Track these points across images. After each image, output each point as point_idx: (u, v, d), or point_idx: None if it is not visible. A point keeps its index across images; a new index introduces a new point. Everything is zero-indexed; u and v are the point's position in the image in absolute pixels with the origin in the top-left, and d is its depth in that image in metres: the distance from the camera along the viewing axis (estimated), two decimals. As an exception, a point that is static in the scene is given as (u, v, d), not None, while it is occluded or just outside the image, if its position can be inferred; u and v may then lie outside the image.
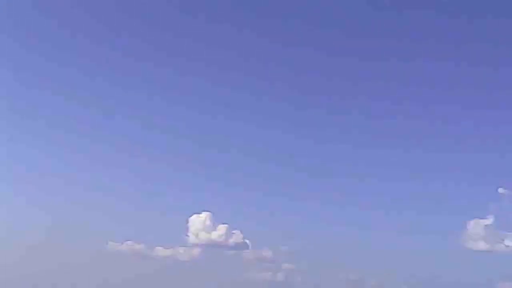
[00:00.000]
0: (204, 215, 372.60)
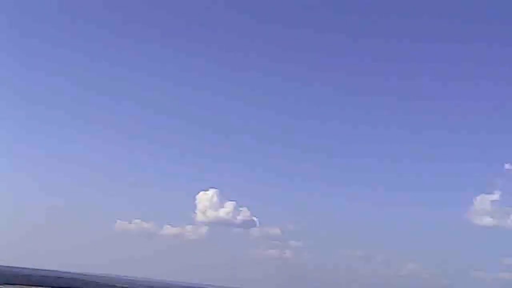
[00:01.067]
0: (211, 192, 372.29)
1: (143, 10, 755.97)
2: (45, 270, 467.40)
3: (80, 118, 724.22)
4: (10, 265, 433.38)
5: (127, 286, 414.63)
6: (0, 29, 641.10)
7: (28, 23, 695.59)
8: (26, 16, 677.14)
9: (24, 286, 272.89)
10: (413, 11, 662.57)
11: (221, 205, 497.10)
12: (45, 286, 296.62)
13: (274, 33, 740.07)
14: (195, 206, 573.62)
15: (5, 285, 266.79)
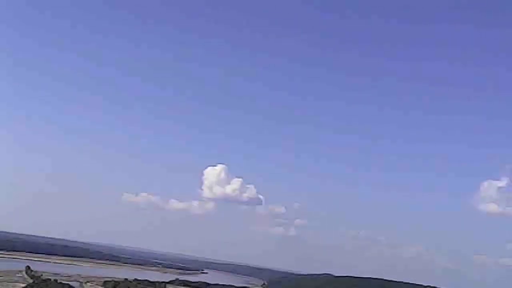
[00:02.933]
0: (219, 167, 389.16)
1: None
2: (52, 238, 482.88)
3: (92, 94, 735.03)
4: (17, 232, 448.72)
5: (130, 257, 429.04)
6: None
7: None
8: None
9: (31, 254, 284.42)
10: None
11: (228, 181, 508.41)
12: (52, 254, 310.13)
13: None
14: (202, 182, 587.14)
15: (12, 251, 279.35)
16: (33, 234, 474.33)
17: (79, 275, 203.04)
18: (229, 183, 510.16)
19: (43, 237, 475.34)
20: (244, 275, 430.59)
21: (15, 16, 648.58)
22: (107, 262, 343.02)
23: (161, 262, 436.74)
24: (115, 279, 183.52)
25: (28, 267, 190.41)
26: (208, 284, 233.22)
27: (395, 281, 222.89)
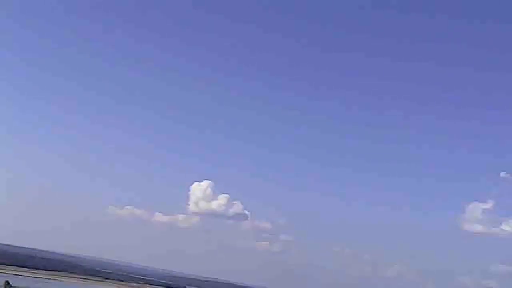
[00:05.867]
0: (205, 183, 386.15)
1: None
2: (33, 249, 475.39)
3: (83, 103, 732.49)
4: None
5: (111, 271, 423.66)
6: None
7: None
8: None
9: (11, 266, 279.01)
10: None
11: (214, 197, 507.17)
12: (34, 268, 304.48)
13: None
14: (188, 197, 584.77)
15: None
16: (11, 244, 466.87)
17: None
18: (216, 199, 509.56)
19: (23, 247, 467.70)
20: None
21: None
22: (89, 277, 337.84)
23: (142, 277, 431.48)
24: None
25: (7, 282, 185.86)
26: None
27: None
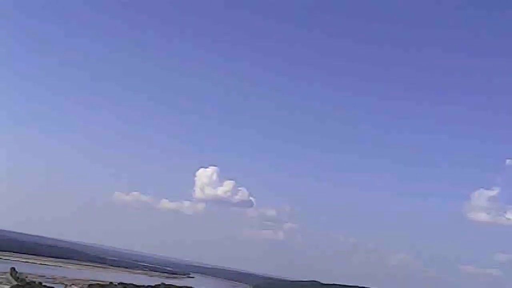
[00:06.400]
0: (211, 169, 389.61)
1: None
2: (39, 236, 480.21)
3: (88, 90, 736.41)
4: (4, 229, 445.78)
5: (117, 259, 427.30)
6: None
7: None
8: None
9: (17, 253, 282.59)
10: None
11: (220, 183, 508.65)
12: (39, 255, 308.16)
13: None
14: (194, 183, 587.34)
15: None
16: (19, 231, 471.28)
17: (64, 277, 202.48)
18: (221, 185, 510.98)
19: (30, 235, 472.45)
20: (231, 280, 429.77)
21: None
22: (94, 264, 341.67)
23: (147, 265, 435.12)
24: (100, 282, 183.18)
25: (13, 269, 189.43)
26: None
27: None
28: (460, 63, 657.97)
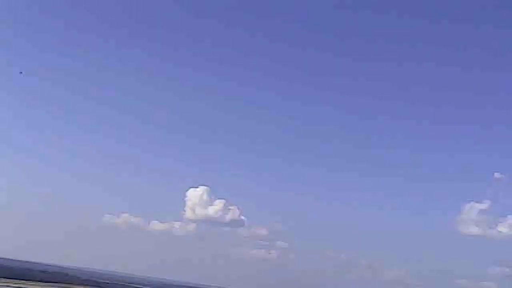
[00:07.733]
0: (201, 189, 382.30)
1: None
2: (28, 262, 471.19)
3: (74, 111, 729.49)
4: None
5: (108, 281, 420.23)
6: None
7: None
8: None
9: (5, 279, 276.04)
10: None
11: (210, 203, 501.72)
12: (28, 280, 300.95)
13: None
14: (184, 203, 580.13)
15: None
16: (7, 257, 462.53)
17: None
18: (212, 205, 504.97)
19: (19, 260, 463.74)
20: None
21: None
22: (86, 287, 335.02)
23: (140, 286, 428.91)
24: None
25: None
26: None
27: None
28: (448, 78, 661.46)
